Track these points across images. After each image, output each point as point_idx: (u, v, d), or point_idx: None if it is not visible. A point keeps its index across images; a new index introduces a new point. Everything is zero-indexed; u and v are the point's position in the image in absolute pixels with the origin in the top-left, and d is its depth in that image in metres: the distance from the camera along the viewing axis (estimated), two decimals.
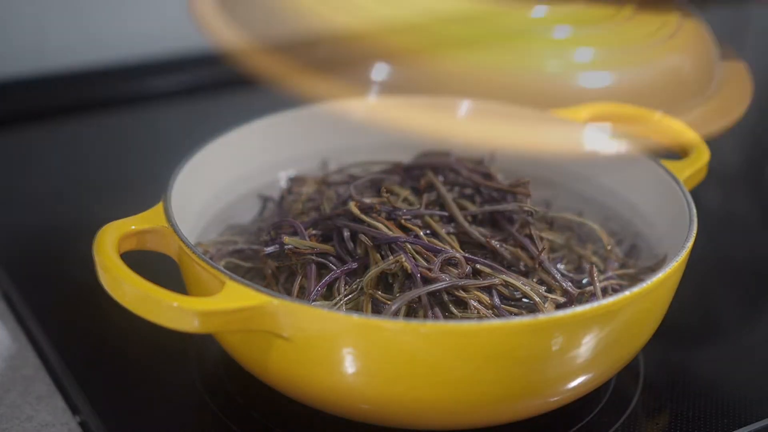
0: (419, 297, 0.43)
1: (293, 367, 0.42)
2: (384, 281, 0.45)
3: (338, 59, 0.40)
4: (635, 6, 0.46)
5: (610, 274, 0.48)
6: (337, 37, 0.40)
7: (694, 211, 0.46)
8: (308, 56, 0.40)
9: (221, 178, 0.53)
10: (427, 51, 0.41)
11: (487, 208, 0.45)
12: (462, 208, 0.47)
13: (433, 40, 0.41)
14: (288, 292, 0.45)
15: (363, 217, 0.46)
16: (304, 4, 0.41)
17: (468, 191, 0.49)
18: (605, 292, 0.46)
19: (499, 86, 0.40)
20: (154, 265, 0.45)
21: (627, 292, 0.41)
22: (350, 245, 0.46)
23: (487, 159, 0.52)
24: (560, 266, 0.47)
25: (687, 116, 0.42)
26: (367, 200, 0.47)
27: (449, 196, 0.47)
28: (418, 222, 0.46)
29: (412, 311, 0.43)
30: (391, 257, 0.44)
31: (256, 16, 0.41)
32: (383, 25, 0.40)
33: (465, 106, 0.44)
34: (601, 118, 0.45)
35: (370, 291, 0.44)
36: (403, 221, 0.45)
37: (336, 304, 0.44)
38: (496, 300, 0.44)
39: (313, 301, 0.44)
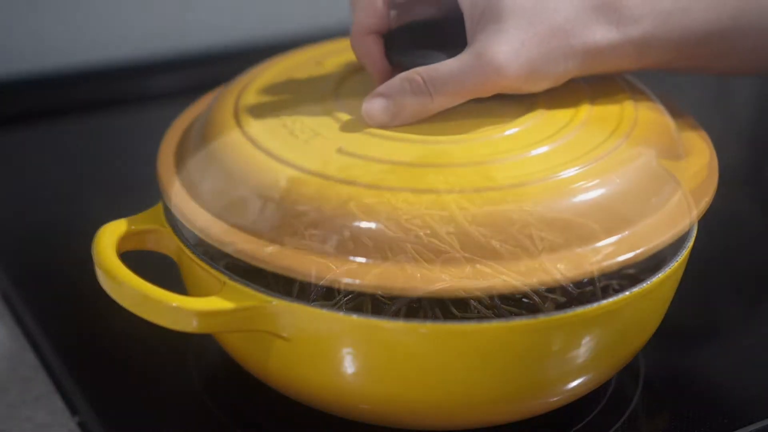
0: (419, 297, 0.43)
1: (293, 367, 0.42)
2: None
3: None
4: (589, 100, 0.47)
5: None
6: None
7: (695, 211, 0.46)
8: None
9: None
10: None
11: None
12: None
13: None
14: (288, 293, 0.45)
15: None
16: None
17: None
18: (605, 292, 0.46)
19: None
20: (154, 266, 0.45)
21: (627, 292, 0.41)
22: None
23: None
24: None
25: (661, 212, 0.43)
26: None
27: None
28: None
29: (412, 311, 0.43)
30: None
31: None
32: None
33: None
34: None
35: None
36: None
37: (336, 304, 0.44)
38: (496, 300, 0.43)
39: (313, 301, 0.44)
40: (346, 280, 0.39)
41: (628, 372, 0.48)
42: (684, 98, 0.80)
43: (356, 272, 0.39)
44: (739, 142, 0.76)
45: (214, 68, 0.81)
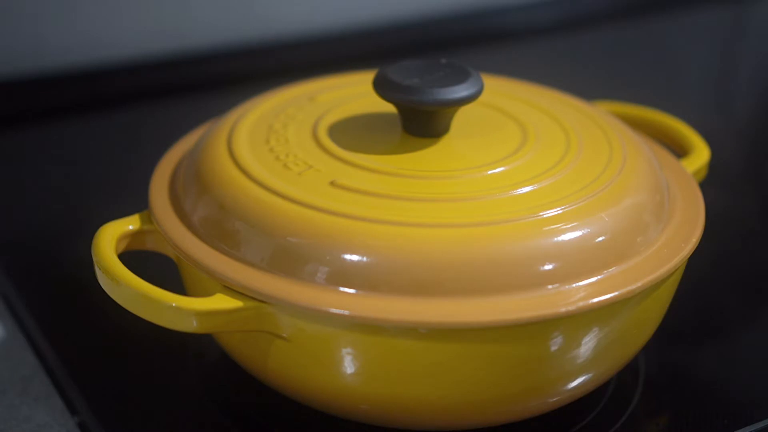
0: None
1: (293, 367, 0.42)
2: None
3: None
4: (579, 140, 0.47)
5: None
6: None
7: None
8: None
9: None
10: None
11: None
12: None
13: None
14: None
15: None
16: None
17: None
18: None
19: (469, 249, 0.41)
20: (154, 266, 0.45)
21: (626, 292, 0.41)
22: None
23: None
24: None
25: (654, 245, 0.43)
26: None
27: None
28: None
29: None
30: None
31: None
32: None
33: None
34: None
35: None
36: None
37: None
38: None
39: None
40: (336, 311, 0.39)
41: (628, 372, 0.48)
42: (684, 99, 0.81)
43: (348, 303, 0.40)
44: (739, 142, 0.76)
45: (214, 68, 0.82)
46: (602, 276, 0.41)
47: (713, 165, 0.52)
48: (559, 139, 0.47)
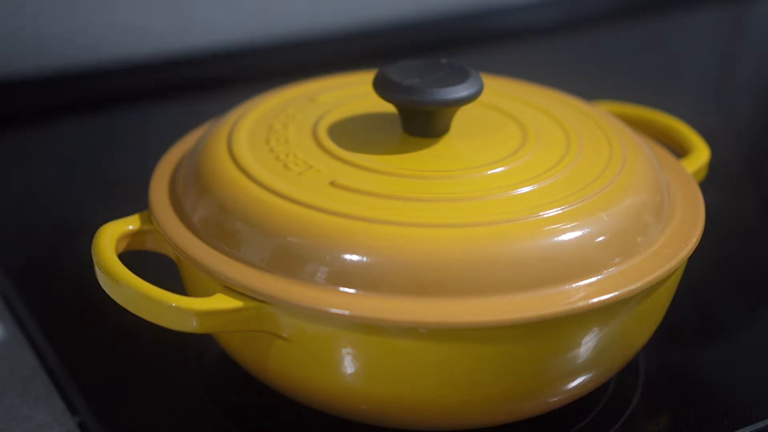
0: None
1: (293, 367, 0.42)
2: None
3: None
4: (579, 140, 0.47)
5: None
6: None
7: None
8: None
9: None
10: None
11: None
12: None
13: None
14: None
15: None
16: None
17: None
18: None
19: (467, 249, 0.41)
20: (154, 266, 0.45)
21: (626, 292, 0.41)
22: None
23: None
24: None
25: (654, 245, 0.43)
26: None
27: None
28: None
29: None
30: None
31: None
32: None
33: None
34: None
35: None
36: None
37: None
38: None
39: None
40: (336, 311, 0.39)
41: (628, 372, 0.48)
42: (684, 99, 0.81)
43: (348, 303, 0.40)
44: (739, 142, 0.76)
45: (214, 68, 0.82)
46: (602, 276, 0.41)
47: (713, 165, 0.52)
48: (559, 139, 0.47)
